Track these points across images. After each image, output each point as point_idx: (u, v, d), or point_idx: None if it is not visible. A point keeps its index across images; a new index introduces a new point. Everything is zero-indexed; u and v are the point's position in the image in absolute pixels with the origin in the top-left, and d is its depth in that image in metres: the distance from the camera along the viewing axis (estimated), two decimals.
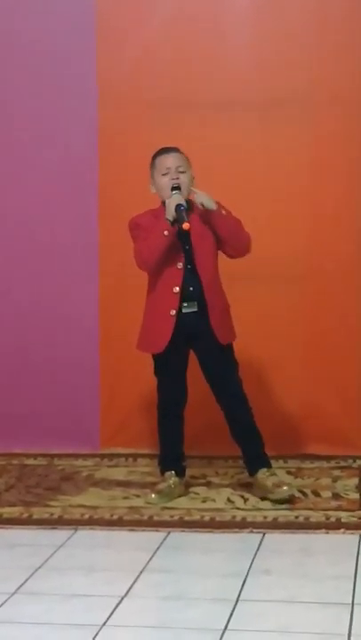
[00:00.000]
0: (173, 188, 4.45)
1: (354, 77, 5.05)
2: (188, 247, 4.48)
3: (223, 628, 3.40)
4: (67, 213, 5.30)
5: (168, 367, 4.61)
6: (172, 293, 4.49)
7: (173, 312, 4.49)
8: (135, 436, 5.22)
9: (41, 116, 5.28)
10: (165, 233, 4.41)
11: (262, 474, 4.57)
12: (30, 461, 5.22)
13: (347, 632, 3.35)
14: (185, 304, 4.50)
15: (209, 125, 5.04)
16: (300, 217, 5.12)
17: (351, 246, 5.12)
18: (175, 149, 4.54)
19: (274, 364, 5.07)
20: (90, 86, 5.20)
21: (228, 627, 3.41)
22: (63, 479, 4.95)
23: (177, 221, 4.38)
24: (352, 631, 3.35)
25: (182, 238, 4.47)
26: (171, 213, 4.40)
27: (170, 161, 4.49)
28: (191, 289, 4.49)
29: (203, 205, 4.42)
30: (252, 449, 4.62)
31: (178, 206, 4.39)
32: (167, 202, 4.43)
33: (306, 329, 5.17)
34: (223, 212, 4.45)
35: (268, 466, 4.61)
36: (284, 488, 4.50)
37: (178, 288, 4.48)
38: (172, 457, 4.69)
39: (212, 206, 4.42)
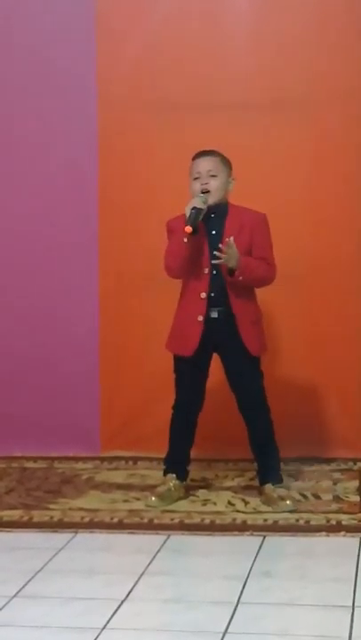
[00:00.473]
0: (203, 193, 4.40)
1: (354, 77, 5.04)
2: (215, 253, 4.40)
3: (224, 630, 3.39)
4: (67, 213, 5.28)
5: (188, 369, 4.56)
6: (200, 299, 4.45)
7: (201, 318, 4.44)
8: (135, 438, 5.20)
9: (41, 116, 5.27)
10: (185, 240, 4.35)
11: (270, 486, 4.55)
12: (30, 464, 5.20)
13: (347, 635, 3.34)
14: (211, 309, 4.45)
15: (208, 125, 5.02)
16: (301, 217, 5.11)
17: (351, 246, 5.11)
18: (210, 153, 4.48)
19: (273, 364, 5.05)
20: (90, 86, 5.19)
21: (229, 629, 3.40)
22: (63, 482, 4.94)
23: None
24: (353, 634, 3.34)
25: (212, 243, 4.40)
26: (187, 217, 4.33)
27: (201, 165, 4.45)
28: (213, 294, 4.45)
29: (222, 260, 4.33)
30: (266, 462, 4.61)
31: (192, 209, 4.33)
32: (187, 206, 4.36)
33: (306, 329, 5.16)
34: (241, 277, 4.35)
35: (279, 481, 4.59)
36: (287, 502, 4.47)
37: (205, 294, 4.44)
38: (176, 459, 4.67)
39: (233, 266, 4.31)
